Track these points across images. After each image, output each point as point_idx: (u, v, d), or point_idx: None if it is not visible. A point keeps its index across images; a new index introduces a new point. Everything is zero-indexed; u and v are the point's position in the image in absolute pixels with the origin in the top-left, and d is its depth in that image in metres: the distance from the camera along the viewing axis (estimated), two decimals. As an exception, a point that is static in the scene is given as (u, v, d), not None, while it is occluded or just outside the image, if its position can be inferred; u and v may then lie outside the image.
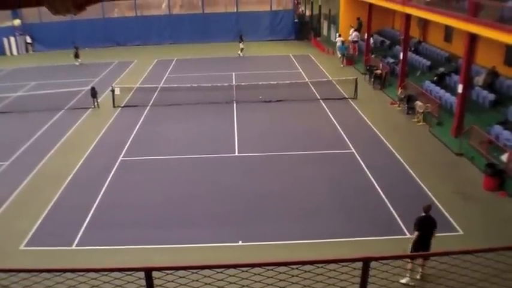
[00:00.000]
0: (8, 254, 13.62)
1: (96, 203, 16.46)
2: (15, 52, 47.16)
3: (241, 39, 41.51)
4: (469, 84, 21.25)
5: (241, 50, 41.53)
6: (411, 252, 11.48)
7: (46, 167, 19.82)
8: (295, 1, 51.44)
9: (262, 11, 49.27)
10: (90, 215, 15.68)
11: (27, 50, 38.13)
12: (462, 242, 13.38)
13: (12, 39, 46.90)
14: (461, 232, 14.04)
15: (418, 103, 23.60)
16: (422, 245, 11.50)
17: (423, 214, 11.97)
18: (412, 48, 30.81)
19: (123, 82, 32.81)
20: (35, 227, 15.10)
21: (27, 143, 22.48)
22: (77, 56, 40.15)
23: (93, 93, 27.82)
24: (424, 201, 15.72)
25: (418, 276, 11.70)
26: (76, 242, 14.22)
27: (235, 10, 49.33)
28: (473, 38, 19.88)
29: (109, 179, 18.41)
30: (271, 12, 49.12)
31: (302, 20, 50.68)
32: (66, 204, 16.52)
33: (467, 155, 19.20)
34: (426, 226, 11.79)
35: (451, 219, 14.71)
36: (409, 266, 11.37)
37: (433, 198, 15.90)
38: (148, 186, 17.82)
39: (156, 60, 40.79)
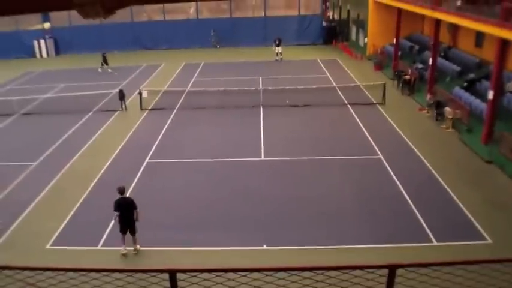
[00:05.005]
0: (35, 253, 13.85)
1: (122, 204, 16.57)
2: (44, 55, 48.17)
3: (278, 44, 41.43)
4: (500, 91, 20.86)
5: (279, 54, 41.43)
6: (120, 231, 13.56)
7: (73, 168, 20.09)
8: (324, 6, 51.34)
9: (290, 16, 49.29)
10: (116, 216, 15.80)
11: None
12: (491, 251, 13.11)
13: (42, 42, 47.91)
14: (490, 241, 13.73)
15: (447, 109, 23.26)
16: (125, 224, 13.52)
17: (120, 196, 13.66)
18: (442, 54, 30.37)
19: (151, 85, 33.13)
20: (61, 227, 15.31)
21: (55, 144, 22.84)
22: (105, 62, 39.81)
23: (121, 96, 28.14)
24: (452, 208, 15.58)
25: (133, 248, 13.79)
26: (102, 242, 14.37)
27: (263, 15, 49.44)
28: (504, 43, 19.53)
29: (135, 181, 18.57)
30: (299, 17, 49.08)
31: (330, 25, 50.46)
32: (92, 205, 16.71)
33: (497, 163, 18.82)
34: (124, 207, 13.48)
35: (479, 227, 14.40)
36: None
37: (461, 206, 15.65)
38: (173, 189, 17.91)
39: (183, 64, 41.11)
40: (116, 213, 13.53)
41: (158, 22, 49.41)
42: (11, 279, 3.94)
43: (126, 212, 13.54)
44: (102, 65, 39.69)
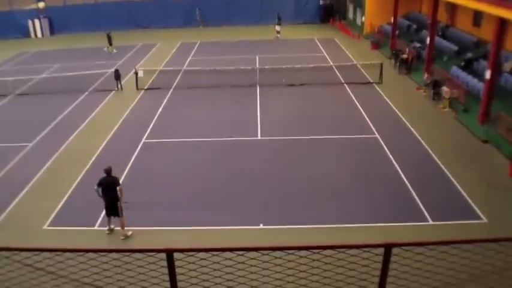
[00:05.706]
0: (32, 233, 13.87)
1: (119, 184, 16.59)
2: (39, 34, 47.72)
3: (278, 21, 41.39)
4: (497, 70, 20.81)
5: (278, 32, 41.49)
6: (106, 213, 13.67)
7: (69, 148, 20.05)
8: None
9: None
10: (113, 196, 15.81)
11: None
12: (487, 230, 13.20)
13: (36, 21, 47.41)
14: (485, 220, 13.82)
15: (444, 89, 23.22)
16: (107, 204, 13.42)
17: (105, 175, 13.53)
18: (440, 33, 30.23)
19: (147, 65, 32.94)
20: (58, 207, 15.33)
21: (51, 124, 22.76)
22: (110, 42, 38.86)
23: (117, 75, 27.98)
24: (448, 188, 15.65)
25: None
26: (99, 222, 14.39)
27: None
28: (502, 23, 19.43)
29: (132, 160, 18.56)
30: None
31: (327, 3, 50.04)
32: (89, 185, 16.51)
33: (493, 142, 18.86)
34: (106, 185, 13.38)
35: (475, 206, 14.48)
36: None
37: (457, 185, 15.72)
38: (170, 168, 17.92)
39: (179, 43, 40.85)
40: (96, 187, 13.36)
41: (154, 1, 48.88)
42: (8, 260, 3.94)
43: (108, 191, 13.34)
44: (110, 44, 38.96)
